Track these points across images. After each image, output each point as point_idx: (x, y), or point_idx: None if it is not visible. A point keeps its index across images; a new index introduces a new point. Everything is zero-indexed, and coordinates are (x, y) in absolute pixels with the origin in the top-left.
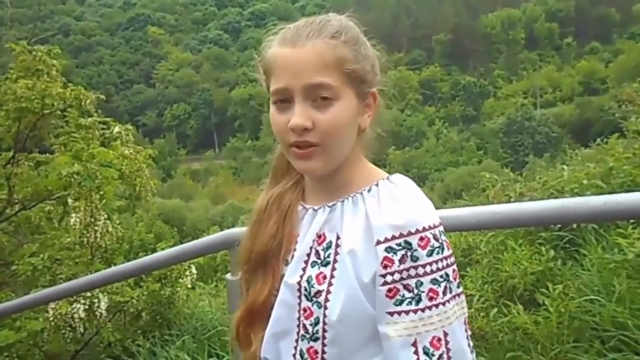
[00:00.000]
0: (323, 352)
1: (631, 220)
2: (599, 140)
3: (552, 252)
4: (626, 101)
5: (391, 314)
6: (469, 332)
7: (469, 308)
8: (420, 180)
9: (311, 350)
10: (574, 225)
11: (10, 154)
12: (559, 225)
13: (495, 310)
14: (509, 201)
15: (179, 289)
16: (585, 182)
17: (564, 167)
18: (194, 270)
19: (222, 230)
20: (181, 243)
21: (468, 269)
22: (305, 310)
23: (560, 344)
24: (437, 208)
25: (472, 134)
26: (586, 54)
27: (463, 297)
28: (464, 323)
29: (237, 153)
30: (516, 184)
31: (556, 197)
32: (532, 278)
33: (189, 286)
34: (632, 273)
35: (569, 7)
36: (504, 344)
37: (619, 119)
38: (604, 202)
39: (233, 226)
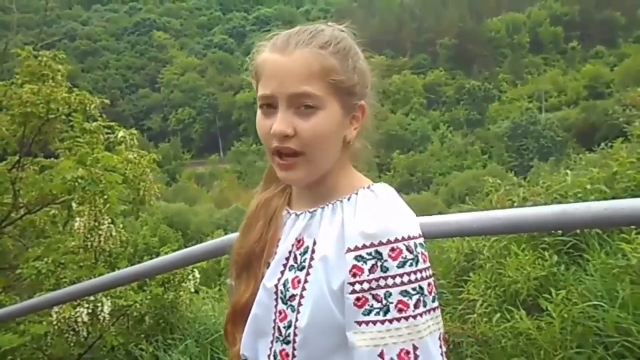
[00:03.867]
0: (293, 355)
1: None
2: (603, 144)
3: (555, 258)
4: (630, 105)
5: (359, 323)
6: (444, 349)
7: (472, 313)
8: (424, 185)
9: (283, 353)
10: (578, 231)
11: (16, 158)
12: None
13: (499, 315)
14: (512, 206)
15: (182, 293)
16: (589, 187)
17: (568, 172)
18: (197, 275)
19: (226, 234)
20: (186, 247)
21: (471, 274)
22: (280, 313)
23: (563, 350)
24: (441, 212)
25: (477, 138)
26: (591, 58)
27: (439, 312)
28: (439, 339)
29: (241, 157)
30: (520, 189)
31: (560, 203)
32: (535, 283)
33: (193, 290)
34: (636, 279)
35: (574, 11)
36: (507, 350)
37: (623, 124)
38: (605, 208)
39: (237, 230)
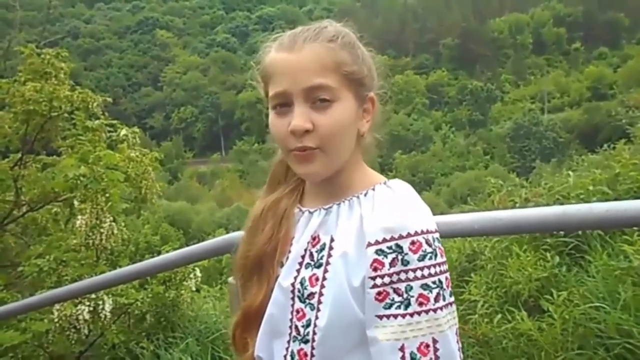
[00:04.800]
0: (312, 354)
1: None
2: (606, 146)
3: (557, 259)
4: (633, 107)
5: (380, 317)
6: (460, 344)
7: (473, 314)
8: (426, 185)
9: (301, 352)
10: (579, 232)
11: (18, 155)
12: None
13: (500, 316)
14: (514, 207)
15: (183, 291)
16: (591, 188)
17: (570, 172)
18: (198, 273)
19: (228, 232)
20: (187, 245)
21: (472, 275)
22: (297, 311)
23: (564, 351)
24: (442, 213)
25: (479, 138)
26: (594, 59)
27: (454, 306)
28: (456, 334)
29: (243, 156)
30: (522, 190)
31: (562, 203)
32: (536, 284)
33: (193, 289)
34: (638, 280)
35: (577, 12)
36: (507, 350)
37: (626, 125)
38: (607, 209)
39: (239, 229)
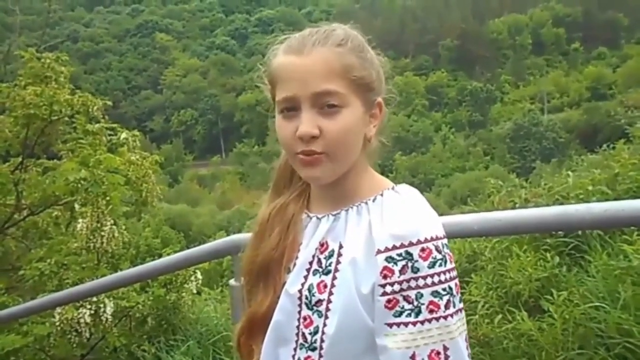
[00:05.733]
0: None
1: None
2: (605, 146)
3: (557, 259)
4: (632, 107)
5: (390, 325)
6: (469, 350)
7: (473, 314)
8: (426, 186)
9: None
10: (579, 232)
11: (19, 159)
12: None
13: (500, 316)
14: (513, 207)
15: (184, 294)
16: (590, 188)
17: (570, 173)
18: (199, 276)
19: (228, 235)
20: (188, 248)
21: (472, 275)
22: (305, 318)
23: (564, 351)
24: (443, 214)
25: (479, 139)
26: (594, 59)
27: (464, 312)
28: (465, 340)
29: (243, 158)
30: (521, 190)
31: (561, 204)
32: (536, 284)
33: (194, 291)
34: (637, 280)
35: (576, 12)
36: (508, 351)
37: (625, 125)
38: (606, 209)
39: (239, 231)
